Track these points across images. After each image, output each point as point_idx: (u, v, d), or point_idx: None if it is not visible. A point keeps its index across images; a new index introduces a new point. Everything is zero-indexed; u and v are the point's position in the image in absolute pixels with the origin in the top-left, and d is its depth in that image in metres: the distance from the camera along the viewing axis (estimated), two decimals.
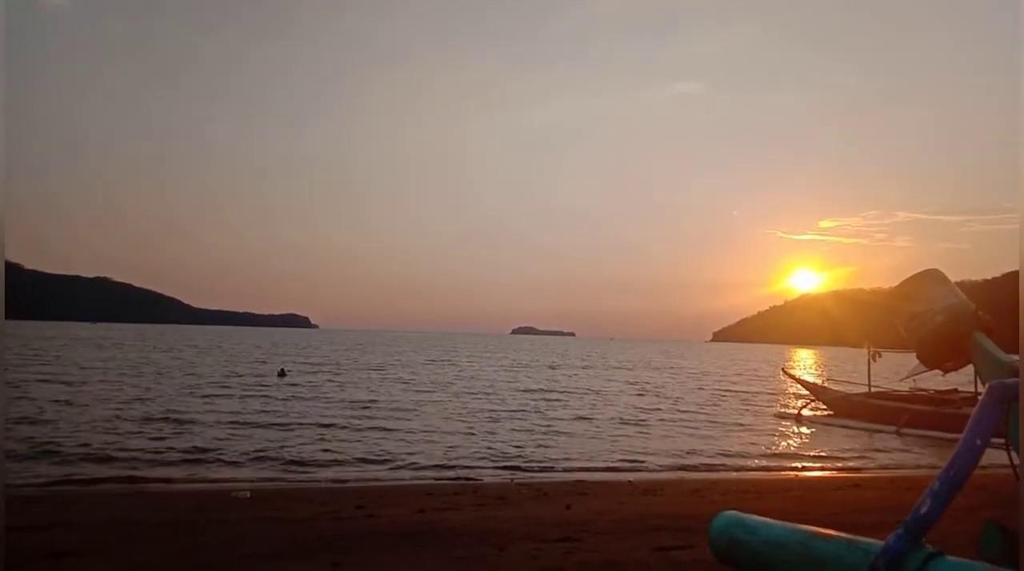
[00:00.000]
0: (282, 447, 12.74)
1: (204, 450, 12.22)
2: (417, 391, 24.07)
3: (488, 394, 24.00)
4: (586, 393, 26.47)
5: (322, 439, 13.88)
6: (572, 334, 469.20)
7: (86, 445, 12.18)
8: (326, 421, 16.43)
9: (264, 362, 40.96)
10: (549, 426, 17.01)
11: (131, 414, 16.32)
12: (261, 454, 12.01)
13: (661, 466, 12.45)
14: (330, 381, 28.19)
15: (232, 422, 15.69)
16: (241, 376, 29.53)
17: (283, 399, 20.92)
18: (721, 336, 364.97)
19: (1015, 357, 2.80)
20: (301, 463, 11.47)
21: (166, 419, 15.69)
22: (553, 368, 45.05)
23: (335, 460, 11.83)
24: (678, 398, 26.23)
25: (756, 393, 30.15)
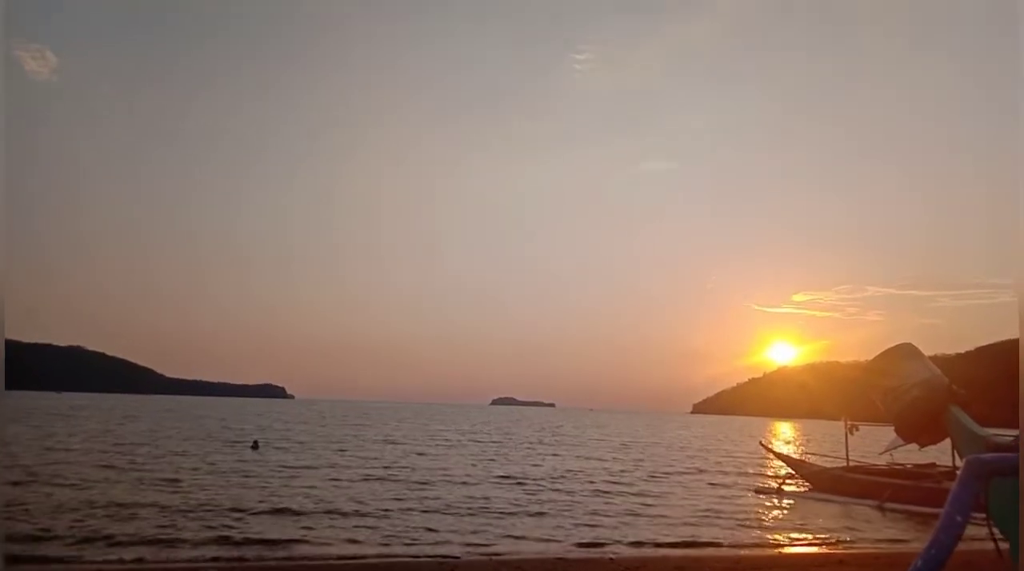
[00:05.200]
0: (249, 526, 12.33)
1: (167, 530, 11.79)
2: (382, 479, 23.45)
3: (465, 483, 23.52)
4: (566, 471, 26.09)
5: (293, 521, 13.45)
6: (552, 405, 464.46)
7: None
8: (296, 502, 15.95)
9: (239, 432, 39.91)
10: (531, 498, 16.67)
11: None
12: (224, 533, 11.61)
13: (643, 543, 12.18)
14: (301, 462, 27.53)
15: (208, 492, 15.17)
16: (219, 451, 28.70)
17: (256, 475, 20.32)
18: (701, 408, 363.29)
19: (991, 431, 2.84)
20: (266, 543, 11.08)
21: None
22: (531, 446, 44.38)
23: (304, 538, 11.47)
24: (658, 473, 25.89)
25: (736, 467, 29.85)
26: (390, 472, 21.61)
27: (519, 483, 20.16)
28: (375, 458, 26.58)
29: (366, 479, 19.64)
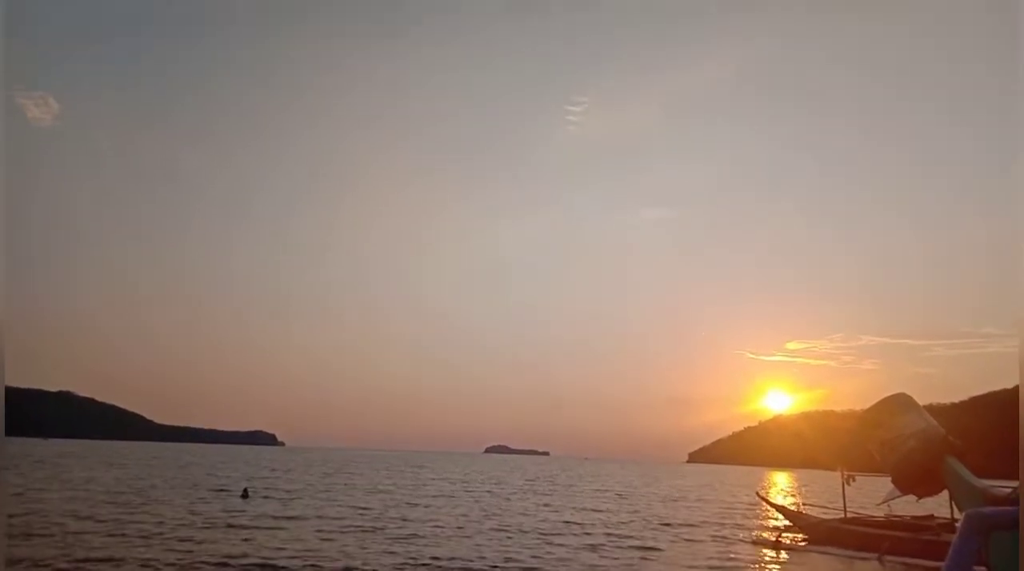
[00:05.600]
0: None
1: None
2: (372, 530, 23.02)
3: (449, 538, 23.10)
4: (560, 522, 25.63)
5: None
6: (546, 453, 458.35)
7: None
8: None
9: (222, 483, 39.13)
10: (525, 551, 16.30)
11: None
12: None
13: None
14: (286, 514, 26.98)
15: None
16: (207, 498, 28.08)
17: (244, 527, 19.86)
18: (696, 457, 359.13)
19: (987, 483, 2.81)
20: None
21: None
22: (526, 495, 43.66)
23: None
24: (656, 524, 25.45)
25: (733, 519, 29.38)
26: (380, 524, 21.15)
27: (511, 536, 19.75)
28: (365, 508, 26.04)
29: (355, 531, 19.21)
